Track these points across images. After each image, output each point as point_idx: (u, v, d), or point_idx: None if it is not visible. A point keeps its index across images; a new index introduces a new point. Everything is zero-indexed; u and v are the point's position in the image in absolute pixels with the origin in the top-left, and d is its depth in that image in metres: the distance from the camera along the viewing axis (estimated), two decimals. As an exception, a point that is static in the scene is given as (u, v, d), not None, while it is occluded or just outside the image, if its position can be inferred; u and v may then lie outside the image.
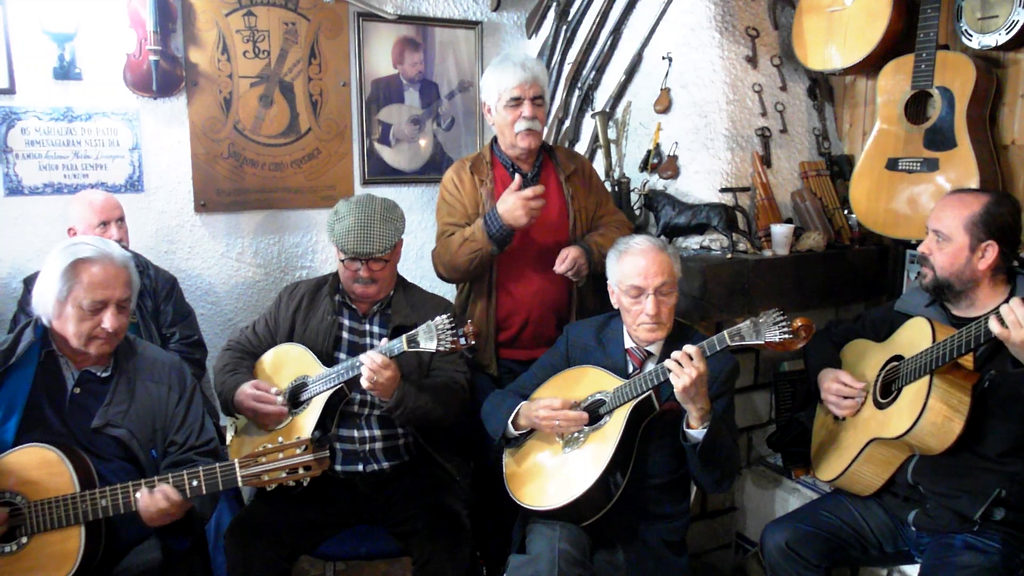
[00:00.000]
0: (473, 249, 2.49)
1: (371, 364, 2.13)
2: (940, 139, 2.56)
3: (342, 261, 2.37)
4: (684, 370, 1.93)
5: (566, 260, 2.50)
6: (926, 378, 1.98)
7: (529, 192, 2.40)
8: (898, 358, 2.12)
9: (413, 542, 2.23)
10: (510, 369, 2.62)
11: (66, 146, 3.00)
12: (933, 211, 2.17)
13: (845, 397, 2.20)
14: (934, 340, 2.00)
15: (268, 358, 2.45)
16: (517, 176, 2.51)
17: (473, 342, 2.14)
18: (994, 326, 1.82)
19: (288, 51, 3.30)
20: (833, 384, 2.23)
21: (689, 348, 1.96)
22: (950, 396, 1.95)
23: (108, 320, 1.91)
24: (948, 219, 2.10)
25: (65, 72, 2.95)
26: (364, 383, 2.16)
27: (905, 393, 2.05)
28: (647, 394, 2.08)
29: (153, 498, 1.81)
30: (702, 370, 1.94)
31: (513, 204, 2.40)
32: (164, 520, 1.84)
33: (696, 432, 2.03)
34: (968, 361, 1.97)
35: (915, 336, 2.09)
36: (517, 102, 2.51)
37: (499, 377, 2.63)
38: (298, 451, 1.86)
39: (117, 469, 1.93)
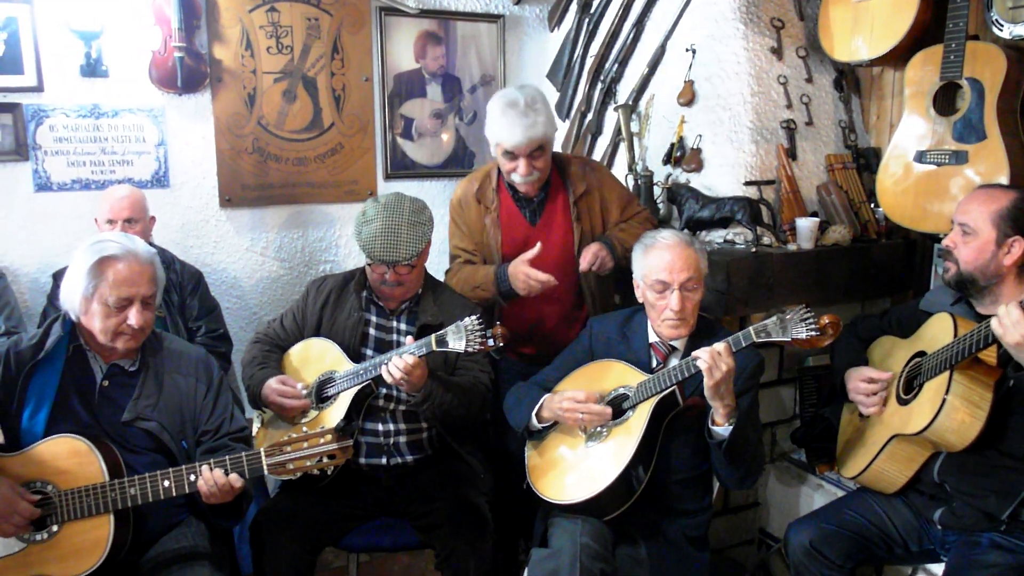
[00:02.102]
0: (482, 296, 2.55)
1: (402, 366, 2.14)
2: (969, 131, 2.51)
3: (369, 264, 2.38)
4: (716, 367, 1.91)
5: (587, 256, 2.50)
6: (946, 373, 1.95)
7: (533, 267, 2.40)
8: (922, 354, 2.09)
9: (436, 535, 2.24)
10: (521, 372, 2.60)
11: (93, 143, 3.05)
12: (960, 204, 2.13)
13: (871, 393, 2.17)
14: (955, 335, 1.96)
15: (296, 352, 2.46)
16: (539, 246, 2.44)
17: (502, 343, 2.15)
18: (994, 324, 1.79)
19: (311, 46, 3.32)
20: (860, 383, 2.20)
21: (719, 345, 1.94)
22: (971, 392, 1.92)
23: (134, 316, 1.93)
24: (975, 212, 2.06)
25: (92, 70, 2.99)
26: (392, 379, 2.18)
27: (926, 389, 2.01)
28: (671, 389, 2.07)
29: (214, 474, 1.85)
30: (732, 366, 1.93)
31: (514, 272, 2.44)
32: (224, 498, 1.88)
33: (722, 429, 2.02)
34: (991, 357, 1.94)
35: (938, 331, 2.06)
36: (513, 157, 2.46)
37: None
38: (322, 440, 1.89)
39: (148, 463, 1.96)
